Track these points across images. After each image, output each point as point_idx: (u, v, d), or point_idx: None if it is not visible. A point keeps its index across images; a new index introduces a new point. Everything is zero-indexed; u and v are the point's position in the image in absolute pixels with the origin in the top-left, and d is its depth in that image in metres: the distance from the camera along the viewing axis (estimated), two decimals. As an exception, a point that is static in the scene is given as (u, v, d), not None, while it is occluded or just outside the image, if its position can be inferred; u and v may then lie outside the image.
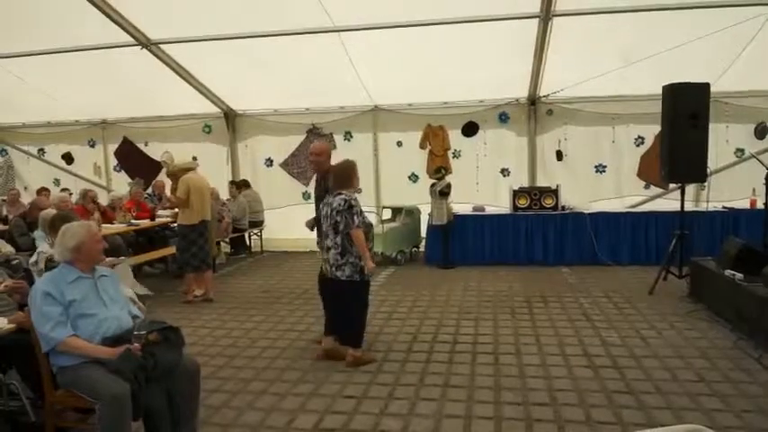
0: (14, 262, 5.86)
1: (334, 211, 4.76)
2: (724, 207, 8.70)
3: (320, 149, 5.44)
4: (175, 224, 7.81)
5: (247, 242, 10.90)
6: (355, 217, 4.74)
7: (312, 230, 5.57)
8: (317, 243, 5.35)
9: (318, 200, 5.28)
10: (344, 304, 4.92)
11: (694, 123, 6.60)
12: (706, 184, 7.66)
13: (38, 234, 5.74)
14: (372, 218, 9.68)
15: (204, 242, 7.12)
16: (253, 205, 10.37)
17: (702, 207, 8.65)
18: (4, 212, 9.73)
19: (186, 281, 7.22)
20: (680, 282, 6.96)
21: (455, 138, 9.97)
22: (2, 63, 8.58)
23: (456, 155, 10.01)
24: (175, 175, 7.29)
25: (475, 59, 8.32)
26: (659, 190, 9.36)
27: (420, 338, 5.54)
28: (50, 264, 4.20)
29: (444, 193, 8.91)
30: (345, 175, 4.90)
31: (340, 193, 4.81)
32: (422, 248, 9.80)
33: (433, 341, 5.45)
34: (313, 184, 6.01)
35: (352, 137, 10.35)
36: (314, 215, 5.45)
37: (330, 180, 4.96)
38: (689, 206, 8.04)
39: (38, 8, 7.16)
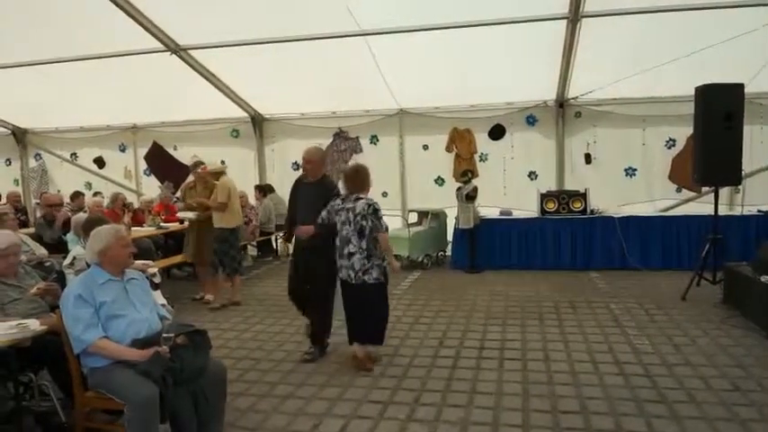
0: (47, 264, 5.98)
1: (359, 216, 4.74)
2: (759, 210, 8.49)
3: (310, 156, 5.24)
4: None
5: (274, 245, 10.97)
6: (382, 220, 4.76)
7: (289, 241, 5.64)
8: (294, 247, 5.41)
9: (305, 206, 5.19)
10: (372, 306, 4.87)
11: (728, 125, 6.44)
12: (740, 187, 7.49)
13: (70, 237, 5.86)
14: (398, 222, 9.69)
15: (239, 246, 7.14)
16: (279, 209, 10.42)
17: (737, 211, 8.49)
18: (38, 215, 9.97)
19: (225, 285, 7.24)
20: (714, 288, 6.79)
21: (482, 141, 9.90)
22: (36, 69, 8.77)
23: (483, 158, 9.94)
24: (204, 179, 7.33)
25: (502, 62, 8.26)
26: (692, 193, 9.16)
27: (446, 343, 5.50)
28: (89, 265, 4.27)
29: (471, 196, 8.85)
30: (361, 179, 4.90)
31: (360, 198, 4.81)
32: (448, 252, 9.74)
33: (460, 346, 5.40)
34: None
35: (378, 140, 10.36)
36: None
37: (345, 184, 4.96)
38: (723, 210, 7.83)
39: (69, 15, 7.30)
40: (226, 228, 7.02)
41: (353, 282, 4.79)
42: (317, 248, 5.04)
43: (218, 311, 6.94)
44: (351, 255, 4.77)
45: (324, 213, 4.96)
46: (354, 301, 4.91)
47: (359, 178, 4.90)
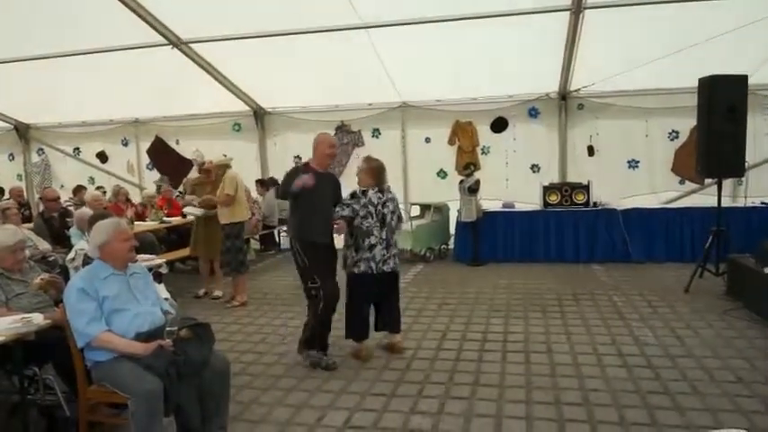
0: (51, 259, 6.01)
1: (397, 205, 4.97)
2: (762, 202, 8.47)
3: (335, 141, 5.11)
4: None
5: (277, 239, 10.98)
6: None
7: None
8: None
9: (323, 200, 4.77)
10: (397, 294, 5.08)
11: (731, 116, 6.41)
12: (744, 178, 7.46)
13: (73, 232, 5.87)
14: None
15: (243, 241, 7.09)
16: (282, 203, 10.42)
17: (740, 203, 8.45)
18: (41, 209, 9.97)
19: (235, 284, 7.06)
20: (717, 279, 6.78)
21: (484, 134, 9.88)
22: (38, 64, 8.77)
23: (485, 151, 9.92)
24: (209, 171, 7.32)
25: (504, 54, 8.21)
26: (695, 185, 9.13)
27: (449, 336, 5.50)
28: (88, 260, 4.28)
29: (473, 189, 8.84)
30: (385, 171, 4.99)
31: (388, 189, 4.96)
32: (451, 245, 9.74)
33: (463, 339, 5.40)
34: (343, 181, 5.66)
35: (380, 134, 10.35)
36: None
37: (375, 176, 4.85)
38: (726, 202, 7.80)
39: (71, 10, 7.30)
40: (233, 222, 6.88)
41: (396, 269, 4.95)
42: (331, 246, 4.88)
43: (222, 305, 6.95)
44: (395, 244, 4.94)
45: (347, 210, 4.74)
46: (392, 288, 5.04)
47: (385, 170, 4.97)
